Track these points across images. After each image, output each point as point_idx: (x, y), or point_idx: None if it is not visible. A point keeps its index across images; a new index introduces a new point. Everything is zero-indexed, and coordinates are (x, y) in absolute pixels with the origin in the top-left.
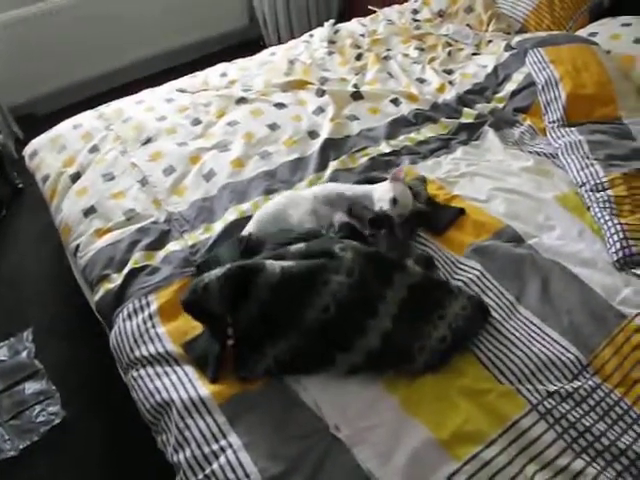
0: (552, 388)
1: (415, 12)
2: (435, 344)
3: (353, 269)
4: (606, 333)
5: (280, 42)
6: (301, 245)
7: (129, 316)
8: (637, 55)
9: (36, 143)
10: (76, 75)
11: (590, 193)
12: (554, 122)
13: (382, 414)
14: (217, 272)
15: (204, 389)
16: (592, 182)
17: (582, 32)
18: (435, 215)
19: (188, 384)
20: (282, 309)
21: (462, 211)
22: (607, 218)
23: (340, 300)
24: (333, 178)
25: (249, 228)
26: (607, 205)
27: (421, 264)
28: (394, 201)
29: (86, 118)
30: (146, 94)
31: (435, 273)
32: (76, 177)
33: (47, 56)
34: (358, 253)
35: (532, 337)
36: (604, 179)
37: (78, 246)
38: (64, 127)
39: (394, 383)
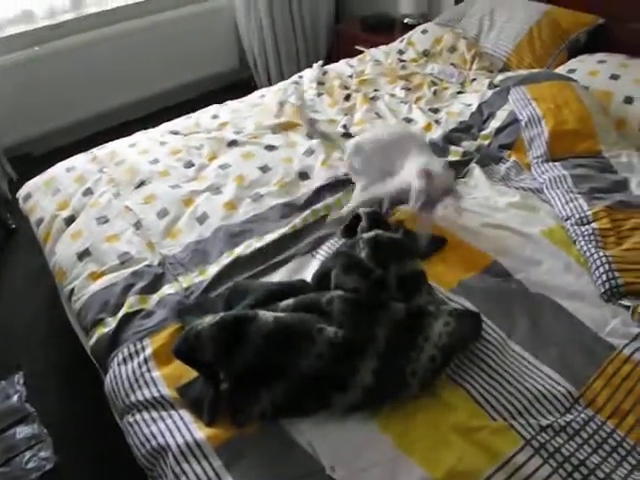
0: (545, 422)
1: (401, 52)
2: (426, 364)
3: (343, 321)
4: (596, 365)
5: (270, 83)
6: (289, 301)
7: (124, 360)
8: (613, 90)
9: (30, 186)
10: (69, 116)
11: (575, 227)
12: (538, 157)
13: (377, 454)
14: (210, 320)
15: (200, 433)
16: (577, 216)
17: (562, 69)
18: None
19: (184, 428)
20: (275, 357)
21: (444, 241)
22: (593, 251)
23: (334, 347)
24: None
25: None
26: (592, 238)
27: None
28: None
29: (80, 161)
30: (139, 136)
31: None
32: (70, 220)
33: (40, 98)
34: (344, 303)
35: (524, 372)
36: (588, 212)
37: (72, 290)
38: (58, 170)
39: (388, 421)
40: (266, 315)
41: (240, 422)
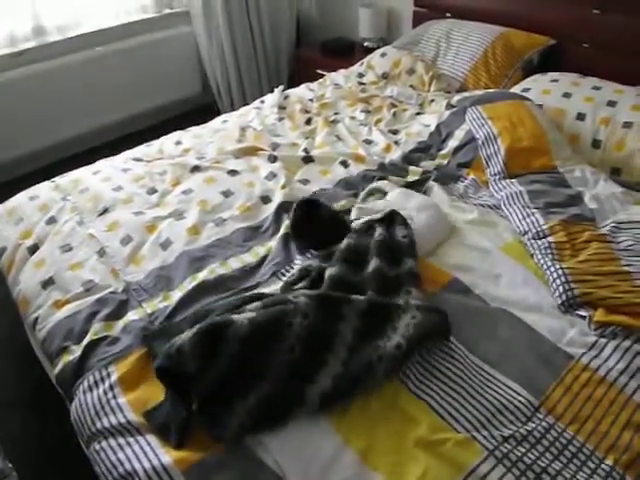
0: (507, 432)
1: (361, 75)
2: (391, 351)
3: (307, 312)
4: (555, 374)
5: (233, 107)
6: (257, 303)
7: (89, 388)
8: (566, 108)
9: None
10: (30, 145)
11: (532, 241)
12: (495, 175)
13: (343, 470)
14: (187, 334)
15: (166, 457)
16: (533, 230)
17: (516, 88)
18: None
19: (150, 453)
20: (252, 358)
21: None
22: (549, 264)
23: (303, 339)
24: (287, 242)
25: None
26: (549, 251)
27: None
28: None
29: (43, 189)
30: (102, 164)
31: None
32: (34, 249)
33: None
34: (309, 297)
35: (485, 384)
36: (544, 227)
37: (37, 318)
38: (20, 198)
39: (353, 436)
40: (240, 318)
41: (218, 436)
